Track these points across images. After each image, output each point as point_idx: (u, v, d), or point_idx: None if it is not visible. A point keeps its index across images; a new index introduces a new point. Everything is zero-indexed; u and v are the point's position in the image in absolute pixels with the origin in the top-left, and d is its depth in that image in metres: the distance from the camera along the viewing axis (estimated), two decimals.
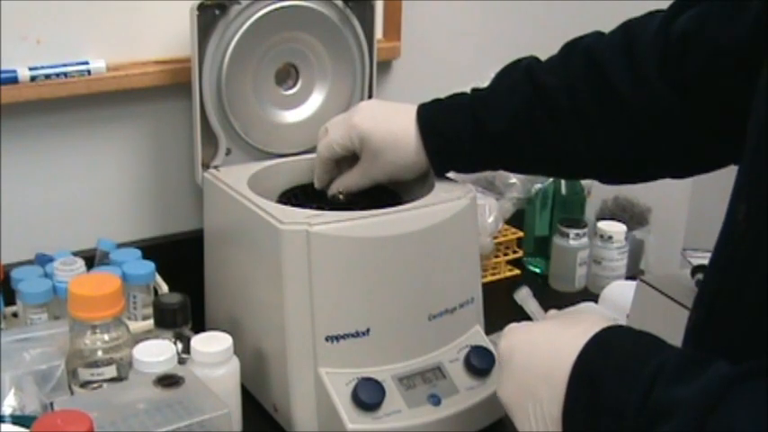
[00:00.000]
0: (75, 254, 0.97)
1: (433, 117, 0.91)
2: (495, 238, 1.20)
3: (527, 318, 1.06)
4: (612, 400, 0.57)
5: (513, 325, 0.70)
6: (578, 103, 0.83)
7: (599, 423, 0.58)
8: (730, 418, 0.51)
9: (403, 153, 0.92)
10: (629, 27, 0.83)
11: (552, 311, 0.75)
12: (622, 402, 0.56)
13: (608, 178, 0.90)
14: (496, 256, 1.22)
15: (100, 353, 0.82)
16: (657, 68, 0.78)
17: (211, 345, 0.82)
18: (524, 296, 1.10)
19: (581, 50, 0.85)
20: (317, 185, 0.99)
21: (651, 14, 0.82)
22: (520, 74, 0.88)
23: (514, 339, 0.68)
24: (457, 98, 0.91)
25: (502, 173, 1.24)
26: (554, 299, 1.15)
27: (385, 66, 1.21)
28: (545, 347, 0.64)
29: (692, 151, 0.81)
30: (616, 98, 0.81)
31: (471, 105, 0.89)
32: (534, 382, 0.63)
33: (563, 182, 1.23)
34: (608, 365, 0.59)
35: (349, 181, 0.96)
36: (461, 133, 0.89)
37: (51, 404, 0.76)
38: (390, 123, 0.92)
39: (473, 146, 0.89)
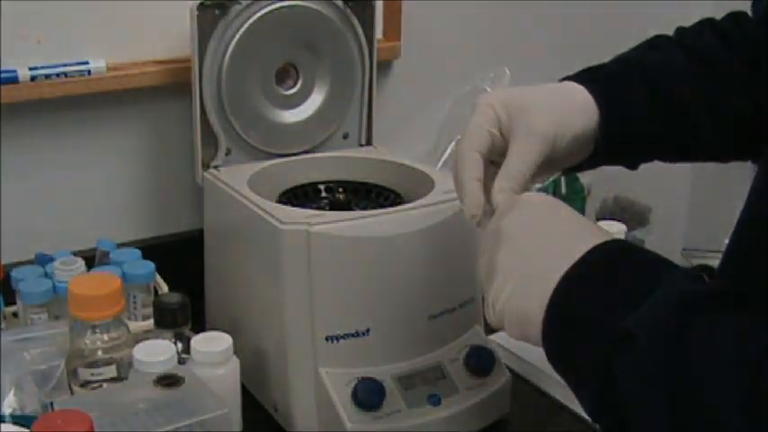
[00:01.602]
0: (75, 254, 0.97)
1: (595, 72, 0.77)
2: None
3: None
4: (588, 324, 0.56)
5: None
6: (732, 57, 0.77)
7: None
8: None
9: (567, 103, 0.72)
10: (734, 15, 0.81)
11: None
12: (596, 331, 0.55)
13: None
14: None
15: (100, 353, 0.82)
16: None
17: (211, 345, 0.82)
18: None
19: (704, 24, 0.81)
20: (471, 211, 0.69)
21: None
22: (655, 40, 0.80)
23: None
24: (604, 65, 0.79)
25: None
26: None
27: (385, 66, 1.21)
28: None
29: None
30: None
31: (630, 62, 0.78)
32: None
33: (563, 182, 1.23)
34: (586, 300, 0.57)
35: (515, 162, 0.69)
36: (626, 73, 0.76)
37: (51, 404, 0.76)
38: (538, 86, 0.74)
39: (648, 97, 0.75)
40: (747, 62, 0.77)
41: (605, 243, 0.59)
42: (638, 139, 0.77)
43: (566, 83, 0.75)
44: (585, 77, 0.75)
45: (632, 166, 0.81)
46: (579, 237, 0.60)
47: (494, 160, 0.71)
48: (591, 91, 0.74)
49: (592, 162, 0.77)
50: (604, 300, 0.56)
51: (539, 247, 0.61)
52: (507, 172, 0.69)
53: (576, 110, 0.72)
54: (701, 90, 0.76)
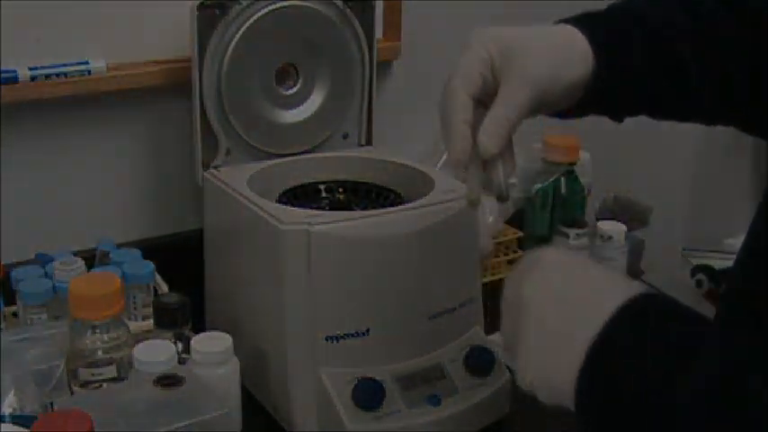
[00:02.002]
0: (75, 254, 0.97)
1: (596, 21, 0.74)
2: (495, 238, 1.20)
3: None
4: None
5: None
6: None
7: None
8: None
9: (566, 52, 0.70)
10: None
11: None
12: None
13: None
14: (496, 257, 1.22)
15: (100, 353, 0.82)
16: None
17: (211, 345, 0.82)
18: None
19: None
20: (458, 155, 0.69)
21: None
22: None
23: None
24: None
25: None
26: None
27: (385, 66, 1.21)
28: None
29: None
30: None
31: (630, 15, 0.75)
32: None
33: (563, 182, 1.23)
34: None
35: (503, 106, 0.68)
36: (627, 25, 0.73)
37: (51, 404, 0.76)
38: (536, 29, 0.72)
39: (647, 54, 0.72)
40: (748, 21, 0.74)
41: (630, 302, 0.57)
42: (633, 96, 0.75)
43: (564, 27, 0.72)
44: (586, 25, 0.72)
45: (618, 119, 0.79)
46: (602, 300, 0.58)
47: (482, 100, 0.70)
48: (591, 41, 0.71)
49: (578, 110, 0.75)
50: (635, 371, 0.54)
51: (563, 316, 0.59)
52: (495, 116, 0.67)
53: (575, 59, 0.70)
54: (700, 50, 0.74)
